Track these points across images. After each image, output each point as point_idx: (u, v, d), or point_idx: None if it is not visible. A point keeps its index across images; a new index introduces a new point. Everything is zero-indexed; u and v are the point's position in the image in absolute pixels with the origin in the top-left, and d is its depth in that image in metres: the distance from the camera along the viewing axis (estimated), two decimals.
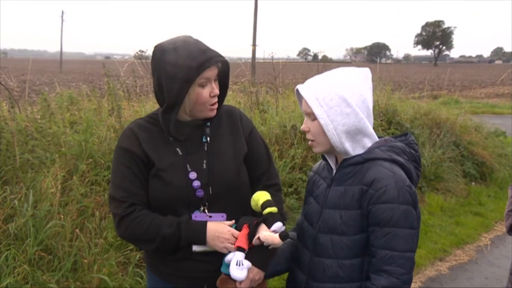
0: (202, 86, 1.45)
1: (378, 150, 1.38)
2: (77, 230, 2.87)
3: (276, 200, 1.56)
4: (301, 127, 1.44)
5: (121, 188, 1.49)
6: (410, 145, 1.44)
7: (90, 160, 3.36)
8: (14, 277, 2.43)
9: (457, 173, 5.97)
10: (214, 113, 1.52)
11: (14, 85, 5.27)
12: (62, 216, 2.88)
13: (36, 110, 4.09)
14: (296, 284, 1.50)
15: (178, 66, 1.40)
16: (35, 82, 18.73)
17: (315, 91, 1.36)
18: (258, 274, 1.45)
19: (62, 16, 46.91)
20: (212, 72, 1.45)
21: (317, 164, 1.61)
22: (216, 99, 1.50)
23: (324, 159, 1.51)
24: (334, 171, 1.45)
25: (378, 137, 1.45)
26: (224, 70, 1.52)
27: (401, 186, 1.30)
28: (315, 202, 1.48)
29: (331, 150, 1.42)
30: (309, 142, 1.45)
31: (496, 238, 4.60)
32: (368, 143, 1.40)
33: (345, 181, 1.39)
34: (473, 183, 6.15)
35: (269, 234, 1.39)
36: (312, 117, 1.38)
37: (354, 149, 1.38)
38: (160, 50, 1.45)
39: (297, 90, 1.43)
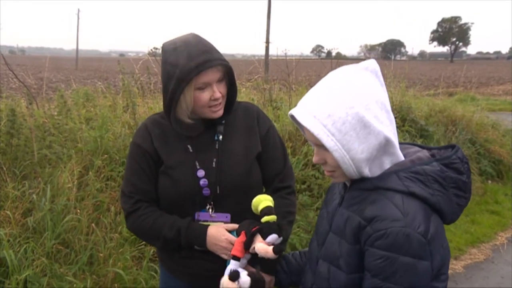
0: (201, 89, 1.41)
1: (394, 177, 1.06)
2: (93, 224, 2.91)
3: (285, 203, 1.53)
4: (314, 160, 1.13)
5: (130, 183, 1.52)
6: (451, 166, 1.07)
7: (106, 156, 3.40)
8: (32, 269, 2.47)
9: (473, 171, 5.88)
10: (217, 114, 1.47)
11: (32, 82, 5.35)
12: (79, 211, 2.92)
13: (53, 107, 4.16)
14: None
15: (175, 66, 1.38)
16: (52, 79, 18.99)
17: (319, 115, 1.04)
18: (265, 277, 1.38)
19: (78, 14, 47.46)
20: (210, 76, 1.40)
21: None
22: (218, 101, 1.45)
23: None
24: (348, 188, 1.19)
25: (419, 147, 1.17)
26: (229, 70, 1.47)
27: (408, 233, 0.98)
28: (326, 220, 1.23)
29: None
30: (327, 174, 1.16)
31: None
32: (387, 164, 1.09)
33: (351, 206, 1.12)
34: (489, 181, 6.07)
35: (262, 247, 1.30)
36: (324, 147, 1.06)
37: (371, 171, 1.09)
38: (163, 49, 1.45)
39: (292, 116, 1.11)
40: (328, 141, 1.03)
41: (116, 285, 2.70)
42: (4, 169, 3.05)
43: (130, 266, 2.84)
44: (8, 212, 2.74)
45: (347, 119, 1.02)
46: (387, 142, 1.06)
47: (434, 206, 1.05)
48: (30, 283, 2.42)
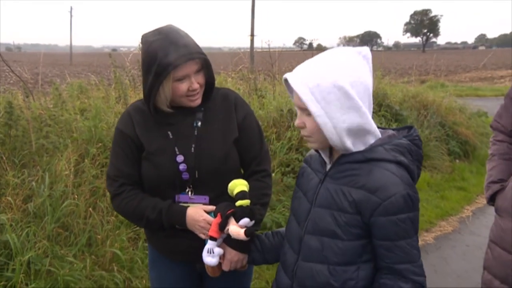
0: (180, 80, 1.39)
1: (382, 149, 1.11)
2: (90, 208, 2.89)
3: (260, 185, 1.53)
4: (295, 123, 1.16)
5: (114, 167, 1.51)
6: (414, 141, 1.16)
7: (100, 144, 3.37)
8: (35, 251, 2.46)
9: (442, 151, 5.99)
10: (195, 103, 1.46)
11: (28, 77, 5.27)
12: (76, 196, 2.90)
13: (49, 99, 4.10)
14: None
15: (153, 59, 1.35)
16: (47, 74, 18.62)
17: (309, 82, 1.07)
18: (236, 255, 1.39)
19: (70, 12, 46.40)
20: (188, 69, 1.38)
21: (308, 154, 1.34)
22: (195, 92, 1.43)
23: (316, 150, 1.23)
24: (328, 165, 1.20)
25: (381, 128, 1.21)
26: (207, 62, 1.44)
27: (408, 194, 1.07)
28: (304, 198, 1.23)
29: (329, 145, 1.16)
30: (304, 138, 1.17)
31: (477, 210, 4.66)
32: (371, 140, 1.13)
33: (341, 179, 1.13)
34: (457, 160, 6.19)
35: (235, 229, 1.31)
36: (307, 112, 1.10)
37: (355, 146, 1.11)
38: (142, 41, 1.42)
39: (286, 80, 1.13)
40: (313, 107, 1.06)
41: (114, 264, 2.70)
42: (4, 158, 3.01)
43: (126, 247, 2.84)
44: (10, 199, 2.71)
45: (333, 90, 1.05)
46: (367, 119, 1.09)
47: (411, 174, 1.12)
48: (33, 264, 2.41)
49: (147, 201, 1.48)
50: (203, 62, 1.43)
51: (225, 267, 1.40)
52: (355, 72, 1.08)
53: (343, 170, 1.14)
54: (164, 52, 1.34)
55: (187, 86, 1.41)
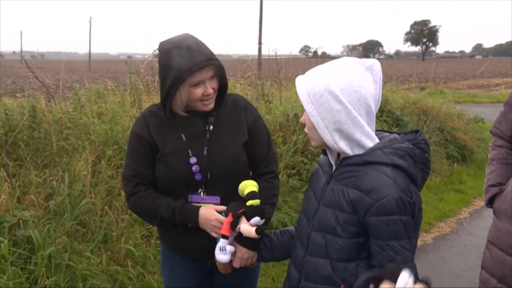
0: (195, 85, 1.39)
1: (380, 153, 1.11)
2: (106, 207, 2.91)
3: (269, 186, 1.53)
4: (300, 119, 1.22)
5: (130, 168, 1.51)
6: (418, 145, 1.14)
7: (116, 146, 3.39)
8: (55, 246, 2.48)
9: (441, 155, 5.94)
10: (208, 108, 1.46)
11: (50, 82, 5.31)
12: (93, 195, 2.92)
13: (69, 104, 4.13)
14: (290, 282, 1.31)
15: (171, 66, 1.36)
16: (68, 80, 18.79)
17: (306, 86, 1.13)
18: (247, 253, 1.39)
19: (90, 22, 46.76)
20: (204, 75, 1.38)
21: (321, 156, 1.36)
22: (209, 97, 1.44)
23: (324, 153, 1.26)
24: (334, 167, 1.22)
25: (388, 132, 1.21)
26: (220, 69, 1.45)
27: (401, 197, 1.06)
28: (314, 198, 1.26)
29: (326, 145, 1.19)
30: (307, 135, 1.23)
31: (474, 212, 4.61)
32: (369, 143, 1.13)
33: (342, 180, 1.15)
34: (455, 164, 6.13)
35: (246, 228, 1.31)
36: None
37: (352, 149, 1.13)
38: (160, 48, 1.42)
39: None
40: (307, 107, 1.13)
41: (128, 260, 2.72)
42: (28, 159, 3.05)
43: (140, 244, 2.85)
44: (32, 197, 2.74)
45: (324, 93, 1.10)
46: (358, 123, 1.10)
47: (411, 176, 1.11)
48: (53, 258, 2.43)
49: (161, 201, 1.47)
50: (217, 68, 1.43)
51: (236, 264, 1.40)
52: (348, 79, 1.10)
53: (344, 171, 1.16)
54: (181, 59, 1.35)
55: (202, 91, 1.41)
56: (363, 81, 1.11)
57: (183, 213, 1.45)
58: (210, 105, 1.47)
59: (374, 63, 1.13)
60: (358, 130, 1.11)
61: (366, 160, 1.11)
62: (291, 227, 1.44)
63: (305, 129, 1.21)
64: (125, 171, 1.53)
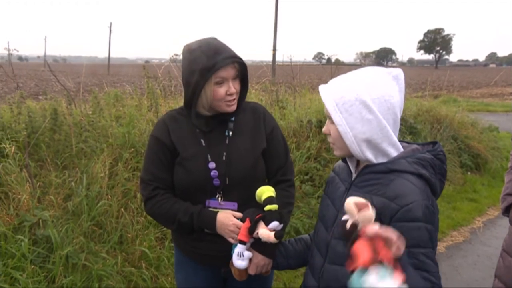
0: (219, 84, 1.40)
1: (404, 162, 1.09)
2: (122, 209, 2.93)
3: (285, 194, 1.51)
4: (323, 129, 1.18)
5: (149, 172, 1.50)
6: (437, 156, 1.13)
7: (132, 149, 3.42)
8: (72, 246, 2.50)
9: (455, 164, 5.83)
10: (232, 108, 1.45)
11: (71, 86, 5.40)
12: (110, 197, 2.94)
13: (88, 107, 4.18)
14: None
15: (197, 63, 1.37)
16: (88, 83, 19.11)
17: (334, 94, 1.09)
18: (263, 260, 1.38)
19: (110, 27, 47.57)
20: (228, 72, 1.39)
21: (337, 164, 1.34)
22: (233, 97, 1.43)
23: (344, 160, 1.24)
24: (354, 175, 1.19)
25: (407, 143, 1.20)
26: (242, 70, 1.44)
27: (427, 205, 1.04)
28: (332, 206, 1.23)
29: (351, 154, 1.16)
30: (330, 145, 1.19)
31: (488, 221, 4.50)
32: (393, 152, 1.12)
33: (364, 187, 1.13)
34: (469, 173, 6.00)
35: (265, 232, 1.29)
36: (331, 120, 1.13)
37: (376, 157, 1.12)
38: (184, 49, 1.44)
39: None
40: (335, 116, 1.09)
41: (142, 261, 2.72)
42: (48, 160, 3.09)
43: (154, 246, 2.86)
44: (52, 197, 2.77)
45: (355, 103, 1.07)
46: (387, 133, 1.09)
47: (432, 186, 1.10)
48: (70, 258, 2.44)
49: (179, 205, 1.46)
50: (240, 68, 1.43)
51: (252, 271, 1.38)
52: (379, 89, 1.08)
53: (367, 179, 1.13)
54: (207, 56, 1.36)
55: (225, 90, 1.41)
56: (392, 90, 1.09)
57: (201, 217, 1.44)
58: (233, 106, 1.46)
59: (399, 73, 1.12)
60: (386, 139, 1.10)
61: (391, 168, 1.09)
62: (305, 236, 1.42)
63: (330, 139, 1.17)
64: (144, 174, 1.52)
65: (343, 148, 1.14)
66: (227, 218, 1.42)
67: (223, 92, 1.41)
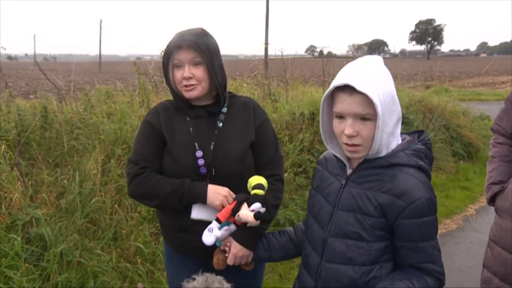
0: (177, 67, 1.43)
1: (403, 154, 1.09)
2: (116, 205, 2.92)
3: (273, 188, 1.50)
4: (348, 132, 1.06)
5: (137, 153, 1.49)
6: (426, 145, 1.15)
7: (125, 145, 3.40)
8: (66, 243, 2.49)
9: (447, 153, 5.88)
10: (190, 94, 1.44)
11: (62, 84, 5.35)
12: (103, 194, 2.93)
13: (79, 104, 4.15)
14: None
15: (166, 48, 1.44)
16: (79, 81, 18.92)
17: (378, 89, 1.03)
18: (241, 250, 1.36)
19: (100, 25, 47.08)
20: (184, 55, 1.40)
21: (323, 156, 1.30)
22: (189, 82, 1.42)
23: (334, 154, 1.19)
24: (349, 169, 1.16)
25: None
26: (210, 58, 1.41)
27: (431, 198, 1.06)
28: (325, 202, 1.19)
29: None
30: (352, 147, 1.09)
31: (480, 209, 4.56)
32: (394, 144, 1.11)
33: (364, 183, 1.11)
34: (461, 161, 6.06)
35: (245, 212, 1.29)
36: (364, 119, 1.05)
37: (381, 150, 1.10)
38: None
39: (346, 86, 1.04)
40: (380, 111, 1.03)
41: (137, 257, 2.72)
42: (40, 158, 3.06)
43: (149, 241, 2.86)
44: (44, 195, 2.75)
45: (389, 96, 1.05)
46: (398, 123, 1.10)
47: (428, 176, 1.12)
48: (65, 255, 2.44)
49: (167, 179, 1.45)
50: (204, 57, 1.41)
51: (230, 261, 1.36)
52: (391, 79, 1.11)
53: (367, 175, 1.11)
54: (172, 39, 1.44)
55: (182, 73, 1.42)
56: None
57: (192, 184, 1.42)
58: (191, 92, 1.44)
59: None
60: (396, 130, 1.10)
61: (391, 163, 1.09)
62: (290, 228, 1.41)
63: (356, 141, 1.07)
64: (132, 156, 1.51)
65: (369, 148, 1.08)
66: (221, 188, 1.43)
67: (179, 75, 1.43)
